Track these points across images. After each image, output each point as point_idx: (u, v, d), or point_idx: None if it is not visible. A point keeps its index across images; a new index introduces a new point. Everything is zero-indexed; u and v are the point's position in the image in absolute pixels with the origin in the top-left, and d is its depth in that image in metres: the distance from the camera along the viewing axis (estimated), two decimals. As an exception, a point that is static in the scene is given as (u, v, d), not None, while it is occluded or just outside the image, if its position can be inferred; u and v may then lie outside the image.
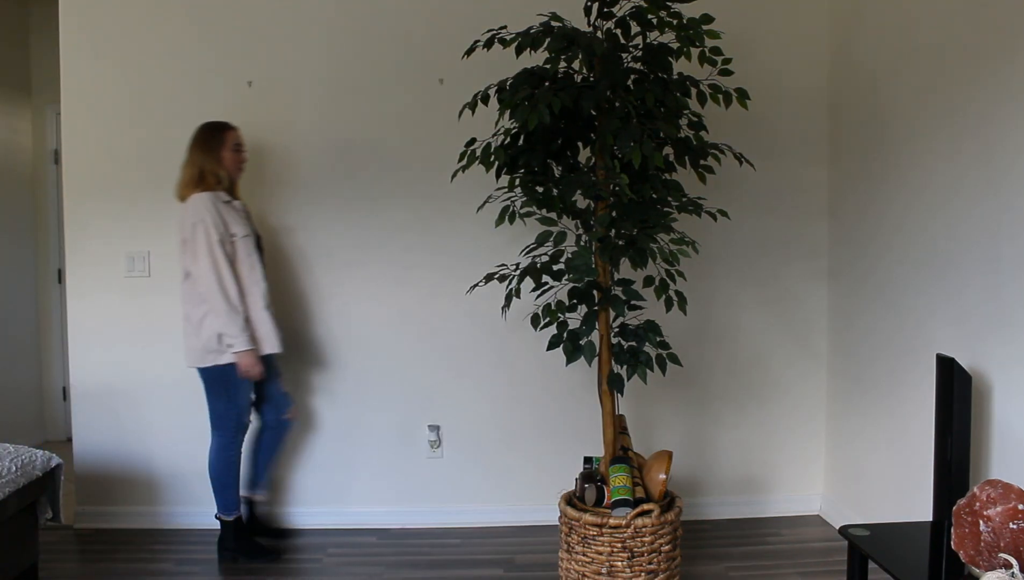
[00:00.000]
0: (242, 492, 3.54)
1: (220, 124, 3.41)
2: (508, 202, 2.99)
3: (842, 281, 3.76)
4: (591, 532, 2.79)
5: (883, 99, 3.36)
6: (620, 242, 2.88)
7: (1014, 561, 1.97)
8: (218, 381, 3.35)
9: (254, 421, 3.54)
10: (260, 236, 3.51)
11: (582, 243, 2.98)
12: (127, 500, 3.84)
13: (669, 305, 2.93)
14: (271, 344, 3.37)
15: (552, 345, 2.97)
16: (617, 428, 3.02)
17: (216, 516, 3.48)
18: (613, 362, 2.96)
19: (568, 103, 2.71)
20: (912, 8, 3.12)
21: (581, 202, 3.17)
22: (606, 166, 2.87)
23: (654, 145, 2.70)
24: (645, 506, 2.78)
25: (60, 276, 5.22)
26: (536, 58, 3.03)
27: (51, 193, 5.23)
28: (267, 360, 3.41)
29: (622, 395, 3.04)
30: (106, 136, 3.76)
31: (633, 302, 2.95)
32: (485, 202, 3.26)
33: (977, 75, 2.73)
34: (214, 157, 3.34)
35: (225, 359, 3.29)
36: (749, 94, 2.95)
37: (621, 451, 3.00)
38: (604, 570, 2.79)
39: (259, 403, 3.55)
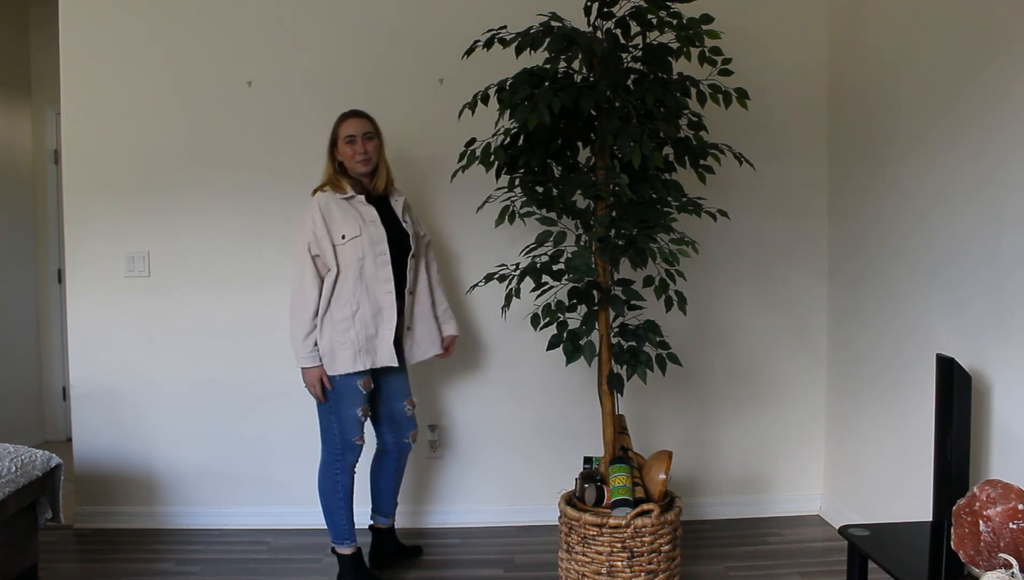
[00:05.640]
0: (369, 520, 3.43)
1: (340, 115, 3.18)
2: (508, 202, 2.99)
3: (842, 280, 3.76)
4: (591, 532, 2.79)
5: (882, 99, 3.36)
6: (620, 242, 2.88)
7: (1014, 561, 1.97)
8: (327, 391, 3.11)
9: (373, 442, 3.35)
10: (413, 234, 3.26)
11: (582, 243, 2.98)
12: (127, 500, 3.84)
13: (669, 305, 2.93)
14: (365, 360, 3.09)
15: (552, 345, 2.97)
16: (617, 428, 3.02)
17: (332, 548, 3.24)
18: (613, 362, 2.96)
19: (568, 103, 2.71)
20: (910, 8, 3.12)
21: (581, 202, 3.17)
22: (606, 166, 2.87)
23: (654, 145, 2.70)
24: (645, 506, 2.78)
25: (60, 276, 5.22)
26: (536, 58, 3.03)
27: (51, 193, 5.23)
28: (381, 378, 3.24)
29: (622, 395, 3.04)
30: (106, 136, 3.76)
31: (633, 302, 2.95)
32: (485, 202, 3.26)
33: (972, 74, 2.73)
34: (336, 153, 3.16)
35: (329, 370, 3.07)
36: (749, 94, 2.95)
37: (621, 451, 3.00)
38: (604, 570, 2.79)
39: (378, 423, 3.34)
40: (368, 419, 3.24)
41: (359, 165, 3.15)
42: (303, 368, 3.09)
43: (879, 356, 3.41)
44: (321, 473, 3.19)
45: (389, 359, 3.13)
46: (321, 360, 3.08)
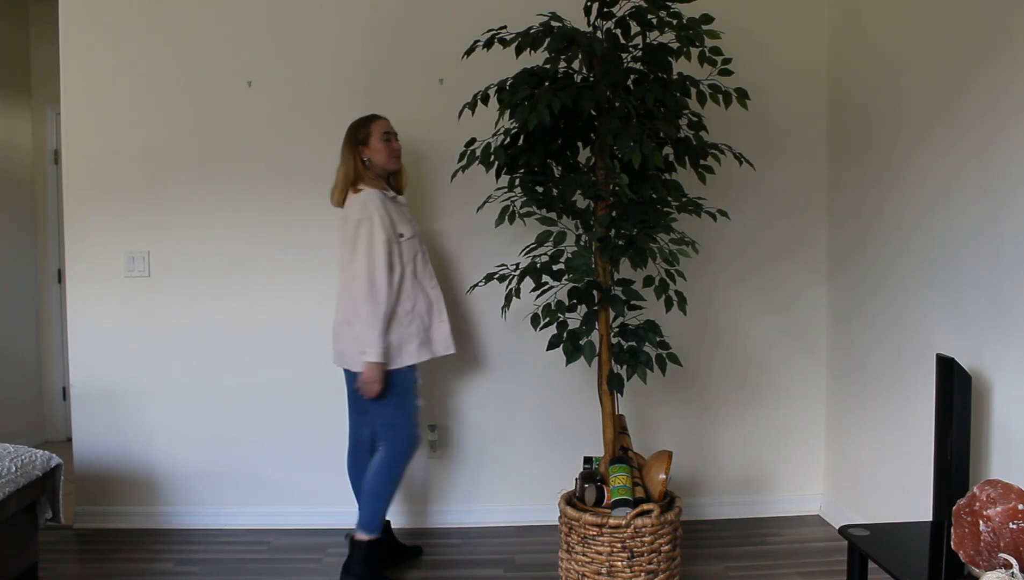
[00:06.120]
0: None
1: (367, 117, 3.24)
2: (508, 202, 2.99)
3: (841, 280, 3.76)
4: (591, 532, 2.79)
5: (881, 99, 3.36)
6: (620, 242, 2.87)
7: (1014, 561, 1.97)
8: (387, 387, 3.13)
9: (350, 438, 3.40)
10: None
11: (582, 243, 2.98)
12: (127, 500, 3.84)
13: (669, 305, 2.93)
14: (415, 354, 3.18)
15: (552, 345, 2.97)
16: (617, 428, 3.02)
17: (349, 536, 3.25)
18: (613, 362, 2.96)
19: (568, 103, 2.71)
20: (910, 8, 3.13)
21: (581, 202, 3.17)
22: (606, 166, 2.87)
23: (654, 145, 2.70)
24: (645, 506, 2.78)
25: (60, 276, 5.22)
26: (536, 58, 3.03)
27: (51, 193, 5.23)
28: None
29: (622, 395, 3.04)
30: (106, 136, 3.76)
31: (633, 302, 2.95)
32: (485, 202, 3.26)
33: (972, 73, 2.73)
34: (365, 152, 3.18)
35: (395, 364, 3.12)
36: (749, 94, 2.95)
37: (621, 451, 3.00)
38: (604, 570, 2.79)
39: (364, 413, 3.33)
40: (354, 412, 3.35)
41: (394, 162, 3.23)
42: (372, 363, 3.05)
43: (879, 356, 3.41)
44: (387, 467, 3.19)
45: (445, 348, 3.27)
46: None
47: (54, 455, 3.10)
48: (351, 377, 3.28)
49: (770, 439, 3.95)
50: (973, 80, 2.74)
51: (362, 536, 3.19)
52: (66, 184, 3.81)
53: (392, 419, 3.19)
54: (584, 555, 2.83)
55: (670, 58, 2.91)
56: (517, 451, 3.89)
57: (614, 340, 2.99)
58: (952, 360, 2.55)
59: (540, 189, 2.97)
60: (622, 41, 2.93)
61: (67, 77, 3.75)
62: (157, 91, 3.75)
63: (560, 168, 3.04)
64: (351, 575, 3.17)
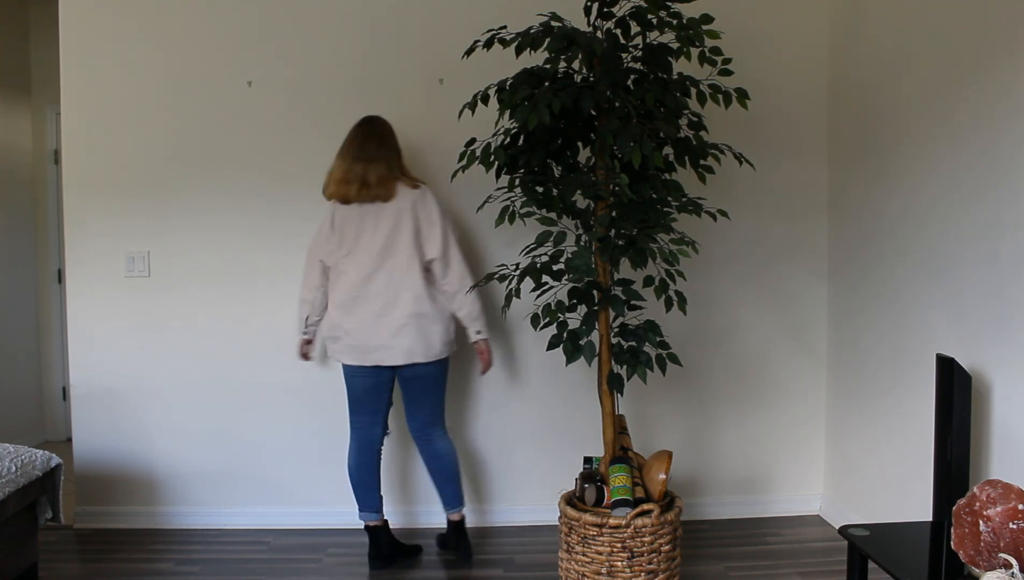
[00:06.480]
0: (359, 522, 3.50)
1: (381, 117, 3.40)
2: (508, 202, 2.99)
3: (842, 280, 3.76)
4: (591, 532, 2.79)
5: (882, 99, 3.36)
6: (620, 242, 2.88)
7: (1014, 561, 1.97)
8: (446, 372, 3.42)
9: (358, 437, 3.44)
10: None
11: (582, 243, 2.98)
12: (127, 500, 3.84)
13: (669, 305, 2.93)
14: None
15: (552, 345, 2.97)
16: (617, 428, 3.02)
17: (454, 519, 3.49)
18: (613, 362, 2.96)
19: (568, 103, 2.71)
20: (911, 9, 3.13)
21: (581, 202, 3.17)
22: (606, 166, 2.87)
23: (654, 145, 2.70)
24: (645, 506, 2.78)
25: (60, 276, 5.22)
26: (536, 58, 3.03)
27: (51, 193, 5.23)
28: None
29: (622, 395, 3.04)
30: (106, 136, 3.76)
31: (633, 302, 2.95)
32: (485, 202, 3.26)
33: (974, 75, 2.73)
34: (398, 149, 3.35)
35: (451, 351, 3.39)
36: (749, 94, 2.95)
37: (621, 451, 3.00)
38: (604, 570, 2.79)
39: (380, 414, 3.42)
40: (370, 411, 3.40)
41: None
42: (487, 340, 3.40)
43: (879, 356, 3.41)
44: (453, 447, 3.47)
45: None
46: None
47: (54, 455, 3.10)
48: (380, 375, 3.31)
49: (770, 439, 3.95)
50: (975, 82, 2.74)
51: (463, 513, 3.50)
52: (66, 184, 3.81)
53: (443, 402, 3.44)
54: (584, 555, 2.83)
55: (670, 58, 2.91)
56: (517, 451, 3.89)
57: (614, 340, 2.99)
58: (952, 360, 2.55)
59: (540, 189, 2.98)
60: (622, 41, 2.93)
61: (67, 77, 3.75)
62: (157, 91, 3.75)
63: (560, 168, 3.05)
64: (471, 550, 3.48)
